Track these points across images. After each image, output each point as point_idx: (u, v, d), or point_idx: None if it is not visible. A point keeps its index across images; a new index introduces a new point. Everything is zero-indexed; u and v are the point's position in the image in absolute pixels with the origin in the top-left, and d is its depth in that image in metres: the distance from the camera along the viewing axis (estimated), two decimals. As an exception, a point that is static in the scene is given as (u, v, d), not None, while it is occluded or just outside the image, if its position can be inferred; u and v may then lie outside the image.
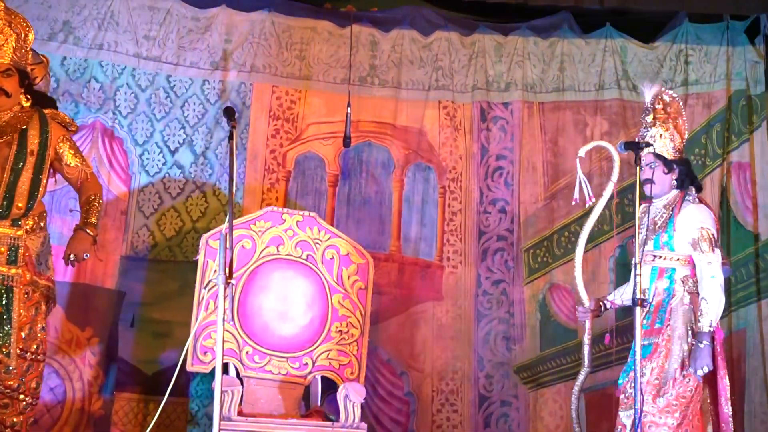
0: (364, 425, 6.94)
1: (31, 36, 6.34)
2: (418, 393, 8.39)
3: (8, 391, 6.00)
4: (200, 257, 7.32)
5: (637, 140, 6.14)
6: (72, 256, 6.27)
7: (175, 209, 8.25)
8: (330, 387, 7.45)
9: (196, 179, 8.28)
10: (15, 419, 6.03)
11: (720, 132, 8.63)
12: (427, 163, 8.75)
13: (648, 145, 6.07)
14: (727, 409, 6.09)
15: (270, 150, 8.51)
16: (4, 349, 5.95)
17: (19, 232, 6.07)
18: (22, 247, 6.07)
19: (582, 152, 6.77)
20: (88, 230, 6.35)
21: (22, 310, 6.03)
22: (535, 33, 8.90)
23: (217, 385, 4.98)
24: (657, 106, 6.46)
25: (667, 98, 6.51)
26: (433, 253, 8.62)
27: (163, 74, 8.41)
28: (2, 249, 6.01)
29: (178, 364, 5.79)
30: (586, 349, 6.66)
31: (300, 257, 7.43)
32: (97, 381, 7.85)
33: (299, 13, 8.74)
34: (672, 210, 6.28)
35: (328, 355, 7.33)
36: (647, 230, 6.29)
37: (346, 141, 7.80)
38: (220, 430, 4.99)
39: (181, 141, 8.35)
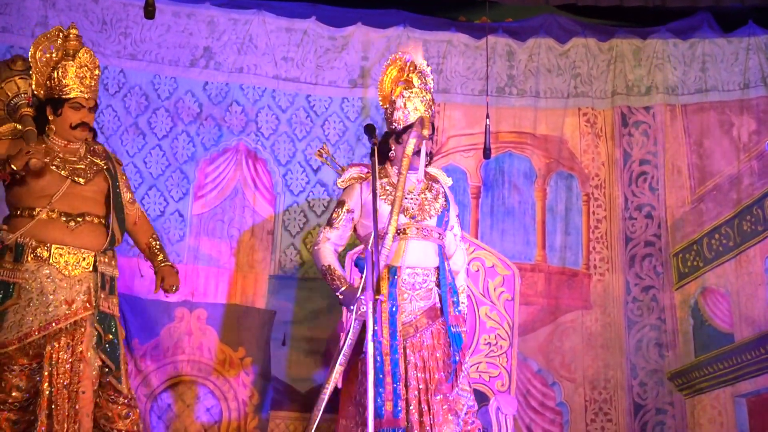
0: (518, 437, 6.93)
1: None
2: (571, 403, 8.32)
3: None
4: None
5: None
6: (174, 287, 6.28)
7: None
8: (482, 400, 7.43)
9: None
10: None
11: None
12: (569, 171, 8.68)
13: None
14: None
15: (411, 164, 8.53)
16: None
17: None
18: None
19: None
20: (173, 266, 6.32)
21: None
22: (674, 35, 8.76)
23: (369, 401, 5.00)
24: (426, 70, 5.98)
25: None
26: (580, 261, 8.55)
27: (302, 94, 8.49)
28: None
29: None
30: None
31: (446, 270, 7.43)
32: (252, 400, 7.94)
33: (434, 27, 8.76)
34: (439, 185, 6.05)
35: (477, 367, 7.32)
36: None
37: (487, 152, 7.73)
38: (376, 445, 5.02)
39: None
